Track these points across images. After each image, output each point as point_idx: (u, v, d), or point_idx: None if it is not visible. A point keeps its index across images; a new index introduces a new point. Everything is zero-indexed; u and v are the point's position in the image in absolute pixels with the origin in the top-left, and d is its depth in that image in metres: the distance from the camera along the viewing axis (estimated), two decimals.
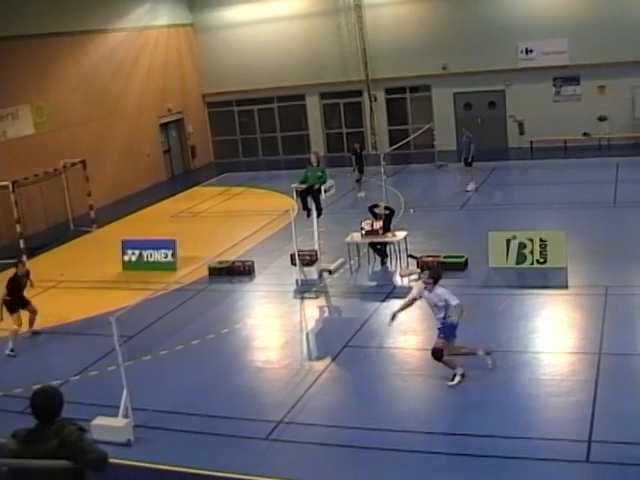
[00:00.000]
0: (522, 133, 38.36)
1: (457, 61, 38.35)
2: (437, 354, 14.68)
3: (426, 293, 14.82)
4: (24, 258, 24.14)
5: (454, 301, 14.43)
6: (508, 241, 20.79)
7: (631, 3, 35.61)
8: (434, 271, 15.38)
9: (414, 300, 15.38)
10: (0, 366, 17.76)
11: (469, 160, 30.53)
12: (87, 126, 34.40)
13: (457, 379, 14.62)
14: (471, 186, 30.22)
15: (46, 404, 7.45)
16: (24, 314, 18.89)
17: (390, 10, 39.30)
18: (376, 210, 22.29)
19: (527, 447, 12.25)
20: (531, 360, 15.47)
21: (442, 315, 14.57)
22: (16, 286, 18.85)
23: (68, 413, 7.63)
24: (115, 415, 13.77)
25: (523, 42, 37.35)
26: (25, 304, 19.05)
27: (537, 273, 20.33)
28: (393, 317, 15.43)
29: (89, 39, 35.21)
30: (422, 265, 21.11)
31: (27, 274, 19.31)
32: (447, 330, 14.62)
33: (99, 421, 13.61)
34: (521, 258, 20.69)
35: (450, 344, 14.78)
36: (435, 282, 14.73)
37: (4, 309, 18.47)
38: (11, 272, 19.18)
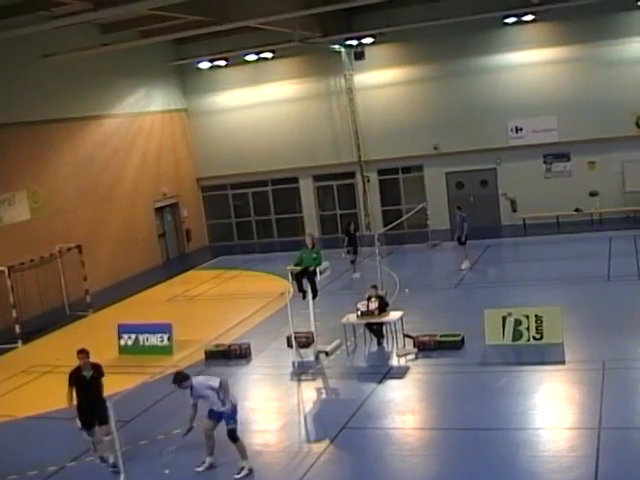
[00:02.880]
0: (514, 210, 38.66)
1: (448, 141, 38.86)
2: (235, 435, 15.10)
3: (194, 396, 14.92)
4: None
5: (216, 383, 14.85)
6: (504, 318, 20.77)
7: (616, 80, 36.20)
8: (177, 377, 15.16)
9: (195, 405, 15.15)
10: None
11: (463, 239, 30.67)
12: (83, 211, 34.64)
13: (244, 472, 14.93)
14: (465, 264, 30.35)
15: None
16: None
17: (381, 92, 39.92)
18: (369, 293, 22.24)
19: None
20: (531, 437, 15.37)
21: (221, 400, 14.85)
22: (80, 383, 15.65)
23: None
24: None
25: (513, 120, 37.90)
26: (99, 414, 15.43)
27: (534, 349, 20.29)
28: (188, 431, 15.16)
29: (84, 125, 35.65)
30: (419, 344, 21.12)
31: (96, 368, 15.85)
32: (233, 413, 15.03)
33: None
34: (517, 335, 20.66)
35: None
36: (182, 382, 14.89)
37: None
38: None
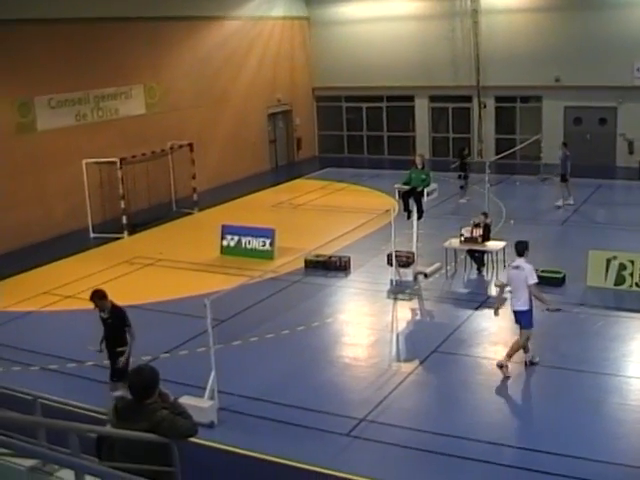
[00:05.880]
0: (631, 152, 37.53)
1: (570, 74, 37.71)
2: None
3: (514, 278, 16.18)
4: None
5: None
6: (608, 261, 20.38)
7: None
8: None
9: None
10: (92, 338, 18.16)
11: (567, 176, 29.85)
12: (196, 110, 34.89)
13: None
14: (571, 200, 29.70)
15: (140, 385, 7.65)
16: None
17: (506, 17, 38.88)
18: (477, 219, 22.13)
19: (611, 473, 12.02)
20: (622, 384, 15.18)
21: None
22: (105, 329, 13.78)
23: None
24: (201, 396, 14.01)
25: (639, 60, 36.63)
26: (112, 366, 13.76)
27: (635, 296, 19.87)
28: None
29: (205, 25, 35.75)
30: None
31: (115, 314, 13.57)
32: None
33: (185, 400, 13.71)
34: (620, 279, 20.27)
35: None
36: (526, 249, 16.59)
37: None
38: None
